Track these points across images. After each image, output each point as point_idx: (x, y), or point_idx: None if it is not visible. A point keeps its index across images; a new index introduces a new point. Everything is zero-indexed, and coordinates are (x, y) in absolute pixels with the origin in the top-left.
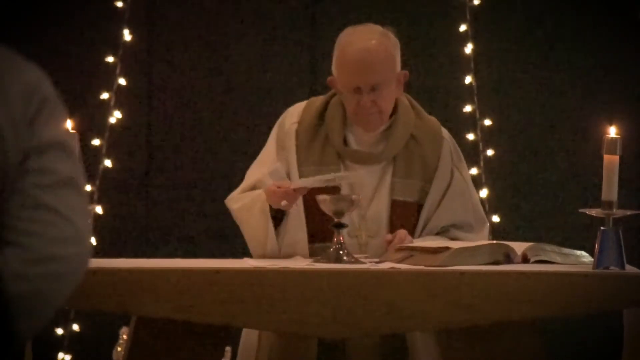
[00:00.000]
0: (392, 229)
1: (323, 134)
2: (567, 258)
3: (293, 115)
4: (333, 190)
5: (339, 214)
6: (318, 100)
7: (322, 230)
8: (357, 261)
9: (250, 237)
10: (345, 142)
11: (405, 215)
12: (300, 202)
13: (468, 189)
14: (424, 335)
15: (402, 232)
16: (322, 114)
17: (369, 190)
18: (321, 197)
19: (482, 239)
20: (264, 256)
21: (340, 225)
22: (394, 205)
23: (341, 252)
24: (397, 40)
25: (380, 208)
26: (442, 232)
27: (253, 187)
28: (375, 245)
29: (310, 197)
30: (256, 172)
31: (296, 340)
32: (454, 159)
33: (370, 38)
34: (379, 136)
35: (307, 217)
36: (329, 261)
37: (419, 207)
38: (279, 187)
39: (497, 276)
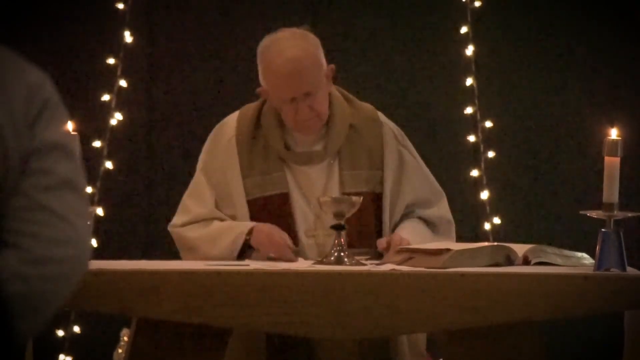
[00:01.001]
0: (350, 222)
1: (262, 142)
2: (568, 260)
3: (229, 127)
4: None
5: (340, 215)
6: (250, 109)
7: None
8: (358, 263)
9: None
10: (285, 145)
11: (360, 207)
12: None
13: (419, 165)
14: (412, 339)
15: (396, 237)
16: (257, 122)
17: (318, 189)
18: (322, 199)
19: (444, 210)
20: None
21: (340, 227)
22: None
23: (342, 253)
24: (317, 39)
25: None
26: (408, 214)
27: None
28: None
29: (271, 205)
30: (196, 204)
31: (245, 340)
32: (399, 139)
33: (292, 46)
34: (319, 134)
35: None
36: (330, 263)
37: (374, 195)
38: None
39: (498, 278)
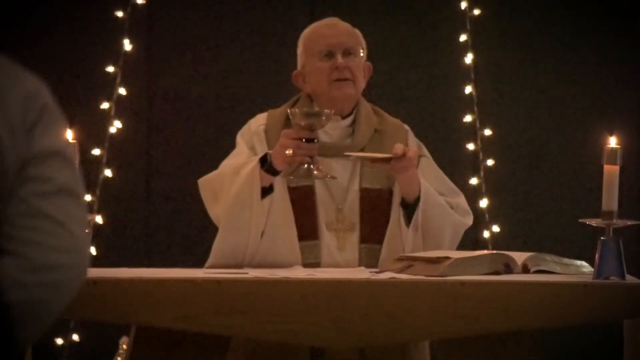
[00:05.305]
0: (364, 217)
1: None
2: (567, 268)
3: (258, 120)
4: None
5: (310, 128)
6: (279, 110)
7: (309, 229)
8: (326, 175)
9: (230, 207)
10: None
11: (375, 202)
12: (286, 199)
13: (436, 168)
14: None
15: (413, 152)
16: (285, 120)
17: (343, 182)
18: (291, 110)
19: (461, 201)
20: (238, 232)
21: (311, 141)
22: (364, 193)
23: (312, 166)
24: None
25: (353, 199)
26: None
27: None
28: (352, 238)
29: (296, 196)
30: (234, 160)
31: (289, 350)
32: (419, 149)
33: (334, 19)
34: (345, 131)
35: (294, 215)
36: (300, 177)
37: (390, 193)
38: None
39: (498, 286)
